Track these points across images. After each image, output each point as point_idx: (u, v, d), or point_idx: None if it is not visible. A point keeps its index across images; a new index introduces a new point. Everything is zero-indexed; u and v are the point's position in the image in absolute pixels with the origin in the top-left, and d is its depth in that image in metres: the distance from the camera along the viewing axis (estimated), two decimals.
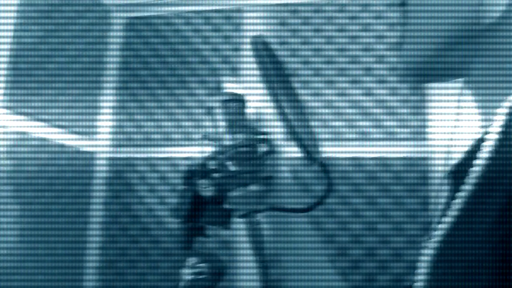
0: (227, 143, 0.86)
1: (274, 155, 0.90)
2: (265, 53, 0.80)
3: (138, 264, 1.96)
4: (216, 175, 0.94)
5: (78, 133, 1.99)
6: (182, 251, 0.93)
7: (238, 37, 2.07)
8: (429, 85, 1.84)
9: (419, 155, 1.81)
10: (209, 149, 0.94)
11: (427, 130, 1.82)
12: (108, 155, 2.10)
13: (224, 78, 1.04)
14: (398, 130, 1.85)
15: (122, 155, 2.09)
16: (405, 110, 1.85)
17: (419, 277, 0.45)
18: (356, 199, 1.81)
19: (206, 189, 0.95)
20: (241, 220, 0.86)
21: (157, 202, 2.00)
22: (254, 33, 1.94)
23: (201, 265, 0.85)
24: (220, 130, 0.88)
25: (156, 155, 2.04)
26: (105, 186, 2.05)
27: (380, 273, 1.75)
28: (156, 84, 2.10)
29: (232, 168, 0.84)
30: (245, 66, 2.02)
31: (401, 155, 1.82)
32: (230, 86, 1.04)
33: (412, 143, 1.83)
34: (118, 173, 2.06)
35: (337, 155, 1.86)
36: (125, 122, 2.10)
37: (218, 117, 0.90)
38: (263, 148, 0.95)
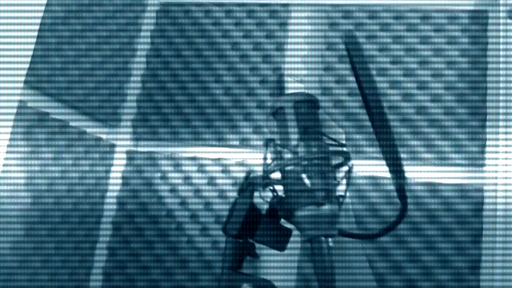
0: (301, 152, 0.71)
1: (349, 171, 0.76)
2: (356, 51, 0.68)
3: (149, 271, 1.79)
4: (279, 187, 0.79)
5: (100, 120, 1.82)
6: (229, 271, 0.78)
7: (282, 37, 1.91)
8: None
9: (473, 183, 1.65)
10: (270, 157, 0.79)
11: (485, 156, 1.67)
12: (128, 148, 1.93)
13: (286, 76, 0.88)
14: (453, 155, 1.69)
15: (143, 149, 1.92)
16: (462, 136, 1.69)
17: None
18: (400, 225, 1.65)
19: (268, 202, 0.80)
20: (305, 243, 0.72)
21: (177, 202, 1.83)
22: (322, 30, 1.79)
23: None
24: (292, 136, 0.73)
25: (181, 154, 1.87)
26: (122, 179, 1.88)
27: None
28: (187, 78, 1.94)
29: (307, 182, 0.69)
30: (287, 66, 1.87)
31: (455, 182, 1.66)
32: (295, 85, 0.88)
33: (466, 169, 1.68)
34: (138, 166, 1.89)
35: (382, 174, 1.70)
36: (151, 115, 1.94)
37: (287, 120, 0.75)
38: (337, 161, 0.80)
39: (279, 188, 0.80)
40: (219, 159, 1.83)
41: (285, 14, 1.93)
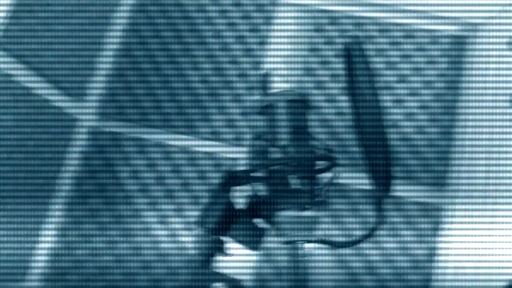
0: (291, 152, 0.70)
1: (335, 177, 0.75)
2: (360, 59, 0.66)
3: (100, 258, 1.70)
4: (261, 186, 0.76)
5: (64, 88, 1.71)
6: (199, 267, 0.75)
7: (265, 31, 1.88)
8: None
9: (435, 202, 1.70)
10: (255, 154, 0.76)
11: (449, 176, 1.72)
12: (91, 123, 1.83)
13: (274, 73, 0.86)
14: (420, 173, 1.73)
15: (107, 129, 1.83)
16: (430, 155, 1.73)
17: None
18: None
19: (247, 200, 0.77)
20: (282, 245, 0.70)
21: (137, 189, 1.75)
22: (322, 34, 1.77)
23: None
24: (281, 135, 0.71)
25: (147, 137, 1.80)
26: (80, 158, 1.79)
27: None
28: (164, 60, 1.86)
29: (294, 184, 0.68)
30: (268, 60, 1.84)
31: (417, 199, 1.70)
32: (281, 85, 0.86)
33: (430, 188, 1.72)
34: (100, 147, 1.80)
35: (350, 184, 1.71)
36: (120, 96, 1.85)
37: (278, 118, 0.73)
38: (323, 166, 0.79)
39: (260, 186, 0.77)
40: (187, 148, 1.78)
41: (271, 9, 1.90)
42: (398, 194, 1.71)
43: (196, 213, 1.69)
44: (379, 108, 0.66)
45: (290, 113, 0.74)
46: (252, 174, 0.74)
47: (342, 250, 1.64)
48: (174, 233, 1.71)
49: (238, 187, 0.76)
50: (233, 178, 0.77)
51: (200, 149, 1.78)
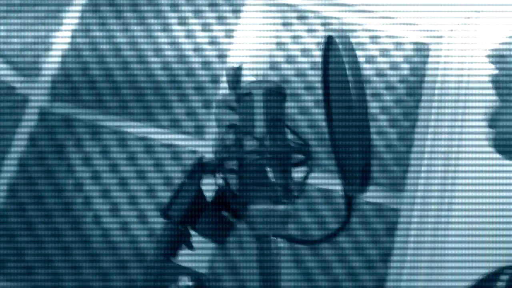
0: (267, 143, 0.66)
1: (309, 171, 0.72)
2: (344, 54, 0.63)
3: (43, 245, 1.60)
4: (232, 177, 0.72)
5: (15, 64, 1.60)
6: (162, 258, 0.70)
7: (232, 24, 1.84)
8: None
9: (392, 203, 1.71)
10: (227, 143, 0.72)
11: (406, 181, 1.74)
12: (42, 104, 1.73)
13: (243, 70, 0.82)
14: (377, 175, 1.74)
15: (59, 110, 1.73)
16: (388, 155, 1.75)
17: None
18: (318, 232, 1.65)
19: (216, 191, 0.73)
20: (251, 239, 0.67)
21: (88, 176, 1.67)
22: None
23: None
24: (258, 124, 0.68)
25: (101, 123, 1.72)
26: (29, 140, 1.68)
27: None
28: (124, 43, 1.79)
29: (270, 176, 0.64)
30: (233, 53, 1.80)
31: (373, 200, 1.71)
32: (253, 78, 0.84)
33: (387, 190, 1.74)
34: (50, 128, 1.69)
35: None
36: (76, 77, 1.75)
37: (255, 107, 0.69)
38: (298, 160, 0.76)
39: (231, 177, 0.73)
40: (144, 137, 1.71)
41: (239, 2, 1.87)
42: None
43: (162, 201, 1.63)
44: (364, 105, 0.63)
45: (268, 101, 0.70)
46: (224, 164, 0.70)
47: (297, 249, 1.63)
48: (127, 221, 1.63)
49: (208, 177, 0.71)
50: (204, 167, 0.71)
51: (158, 137, 1.72)
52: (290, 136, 0.73)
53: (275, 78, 1.78)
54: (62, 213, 1.63)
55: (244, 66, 0.82)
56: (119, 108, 1.73)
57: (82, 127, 1.70)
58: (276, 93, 0.69)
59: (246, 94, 0.70)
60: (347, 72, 0.62)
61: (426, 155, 1.72)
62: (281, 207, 0.63)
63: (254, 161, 0.65)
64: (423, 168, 1.71)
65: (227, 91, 0.85)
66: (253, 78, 0.85)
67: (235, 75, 0.81)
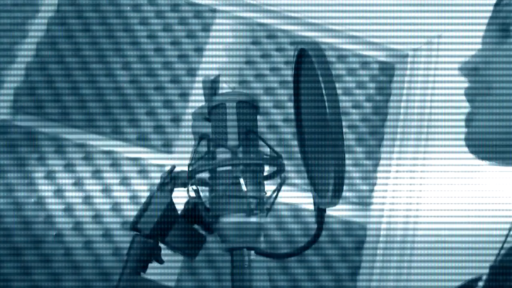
0: (240, 154, 0.66)
1: (281, 184, 0.72)
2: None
3: (6, 265, 1.53)
4: (204, 189, 0.71)
5: None
6: (131, 273, 0.69)
7: (203, 37, 1.84)
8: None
9: (359, 220, 1.73)
10: (200, 155, 0.72)
11: (373, 195, 1.76)
12: (4, 117, 1.67)
13: (221, 80, 0.83)
14: (345, 191, 1.75)
15: (21, 123, 1.68)
16: (356, 174, 1.77)
17: None
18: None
19: (188, 203, 0.72)
20: (224, 252, 0.66)
21: (52, 189, 1.61)
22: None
23: None
24: (230, 136, 0.68)
25: (66, 137, 1.67)
26: None
27: None
28: (91, 55, 1.76)
29: (243, 188, 0.63)
30: (202, 67, 1.80)
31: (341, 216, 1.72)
32: (231, 86, 0.84)
33: (355, 207, 1.75)
34: (11, 141, 1.64)
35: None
36: (40, 89, 1.71)
37: (228, 119, 0.69)
38: (271, 172, 0.76)
39: (203, 189, 0.72)
40: (109, 150, 1.67)
41: (210, 19, 1.87)
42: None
43: (129, 216, 1.59)
44: (338, 117, 0.63)
45: (241, 114, 0.69)
46: (196, 176, 0.68)
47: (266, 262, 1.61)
48: (90, 240, 1.58)
49: (179, 189, 0.70)
50: (175, 179, 0.70)
51: (124, 152, 1.68)
52: (262, 149, 0.72)
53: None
54: (23, 232, 1.56)
55: (221, 78, 0.82)
56: (84, 121, 1.69)
57: (46, 140, 1.65)
58: (248, 106, 0.69)
59: (219, 106, 0.69)
60: (321, 84, 0.62)
61: (392, 170, 1.75)
62: (253, 219, 0.62)
63: (226, 173, 0.64)
64: (389, 182, 1.74)
65: (203, 103, 0.84)
66: (226, 90, 0.84)
67: (212, 86, 0.80)
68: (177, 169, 0.69)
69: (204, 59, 1.84)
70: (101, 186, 1.64)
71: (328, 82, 0.62)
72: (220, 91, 0.80)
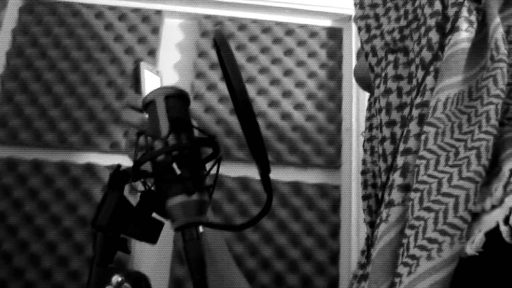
0: (172, 142, 0.74)
1: (218, 162, 0.80)
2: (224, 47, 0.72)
3: None
4: (150, 180, 0.80)
5: None
6: (98, 267, 0.77)
7: (154, 42, 1.92)
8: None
9: (332, 183, 1.82)
10: (140, 149, 0.80)
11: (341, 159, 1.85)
12: None
13: (142, 66, 0.92)
14: (314, 157, 1.84)
15: (1, 154, 1.78)
16: (322, 139, 1.85)
17: None
18: (268, 222, 1.74)
19: (139, 195, 0.81)
20: (177, 232, 0.74)
21: (36, 207, 1.71)
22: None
23: (126, 285, 0.72)
24: (163, 127, 0.76)
25: (45, 158, 1.77)
26: None
27: None
28: (52, 79, 1.85)
29: (177, 171, 0.72)
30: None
31: (315, 182, 1.81)
32: (152, 76, 0.92)
33: (326, 170, 1.84)
34: None
35: (252, 176, 1.79)
36: (10, 118, 1.80)
37: (158, 113, 0.77)
38: (207, 152, 0.84)
39: (150, 180, 0.81)
40: (87, 163, 1.77)
41: (158, 20, 1.95)
42: (297, 179, 1.81)
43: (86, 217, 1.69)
44: (243, 95, 0.72)
45: (169, 106, 0.78)
46: (140, 169, 0.77)
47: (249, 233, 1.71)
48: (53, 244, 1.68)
49: (129, 184, 0.79)
50: (121, 176, 0.79)
51: (100, 161, 1.78)
52: (196, 133, 0.81)
53: (202, 84, 1.87)
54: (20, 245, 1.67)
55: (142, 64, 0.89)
56: (58, 139, 1.79)
57: (25, 164, 1.74)
58: (176, 96, 0.77)
59: (150, 102, 0.78)
60: (225, 63, 0.71)
61: (353, 133, 1.84)
62: (194, 197, 0.71)
63: (163, 161, 0.73)
64: (353, 143, 1.83)
65: (131, 93, 0.92)
66: (158, 77, 0.93)
67: (135, 74, 0.89)
68: (121, 167, 0.78)
69: (159, 61, 1.92)
70: (83, 196, 1.74)
71: (229, 63, 0.71)
72: (146, 79, 0.88)
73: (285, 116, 1.88)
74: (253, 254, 1.71)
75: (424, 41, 0.59)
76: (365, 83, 0.71)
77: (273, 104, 1.89)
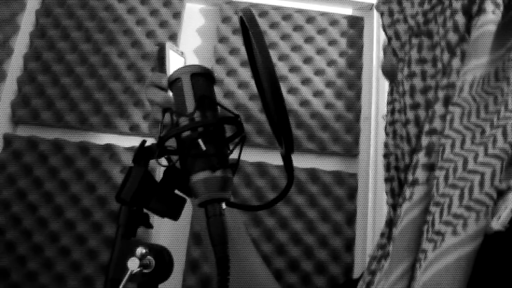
0: (197, 119, 0.75)
1: (242, 141, 0.81)
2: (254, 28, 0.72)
3: (27, 260, 1.67)
4: (175, 156, 0.81)
5: None
6: (122, 239, 0.78)
7: (175, 26, 1.93)
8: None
9: (349, 171, 1.82)
10: (166, 126, 0.81)
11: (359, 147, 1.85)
12: (5, 131, 1.80)
13: (167, 48, 0.93)
14: (332, 145, 1.84)
15: (23, 133, 1.80)
16: (340, 127, 1.85)
17: None
18: (284, 208, 1.75)
19: (163, 170, 0.82)
20: (199, 209, 0.75)
21: (57, 186, 1.74)
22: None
23: (149, 257, 0.73)
24: (188, 105, 0.77)
25: (65, 138, 1.79)
26: None
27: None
28: (74, 60, 1.87)
29: (203, 148, 0.72)
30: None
31: (332, 169, 1.81)
32: (176, 57, 0.93)
33: (343, 158, 1.85)
34: (16, 153, 1.76)
35: (269, 162, 1.80)
36: (33, 98, 1.83)
37: (184, 90, 0.78)
38: (231, 131, 0.85)
39: (174, 156, 0.82)
40: (107, 144, 1.79)
41: (179, 5, 1.96)
42: (314, 166, 1.81)
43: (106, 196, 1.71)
44: (271, 73, 0.72)
45: (195, 84, 0.79)
46: (164, 145, 0.78)
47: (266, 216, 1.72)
48: (94, 225, 1.71)
49: (153, 160, 0.80)
50: (146, 151, 0.80)
51: (119, 143, 1.80)
52: (221, 111, 0.82)
53: (222, 70, 1.88)
54: (39, 227, 1.69)
55: (168, 45, 0.90)
56: (79, 120, 1.81)
57: (46, 143, 1.77)
58: (202, 74, 0.78)
59: (176, 80, 0.79)
60: (254, 45, 0.71)
61: (372, 122, 1.84)
62: (218, 173, 0.72)
63: (189, 137, 0.74)
64: (372, 131, 1.83)
65: (154, 72, 0.93)
66: (182, 58, 0.94)
67: (160, 55, 0.90)
68: (146, 143, 0.79)
69: (180, 45, 1.93)
70: (104, 177, 1.76)
71: (259, 43, 0.72)
72: (171, 59, 0.89)
73: (304, 103, 1.88)
74: (268, 239, 1.72)
75: (449, 24, 0.59)
76: (393, 78, 0.72)
77: (292, 91, 1.89)
